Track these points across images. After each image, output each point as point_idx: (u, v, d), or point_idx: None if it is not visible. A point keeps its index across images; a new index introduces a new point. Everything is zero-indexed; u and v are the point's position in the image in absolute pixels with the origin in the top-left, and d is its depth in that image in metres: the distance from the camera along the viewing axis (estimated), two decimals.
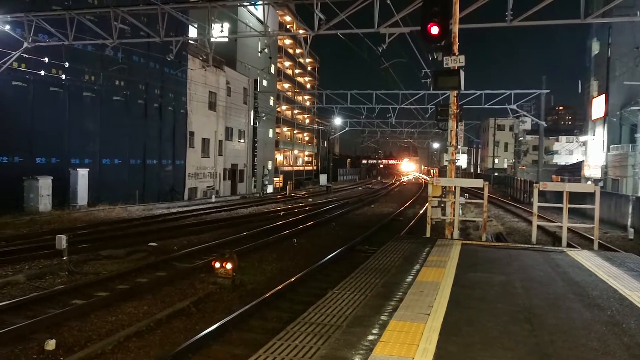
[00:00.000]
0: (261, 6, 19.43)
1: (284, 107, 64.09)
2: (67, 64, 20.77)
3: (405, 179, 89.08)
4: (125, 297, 8.43)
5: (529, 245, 9.48)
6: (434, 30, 9.68)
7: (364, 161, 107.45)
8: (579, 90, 42.00)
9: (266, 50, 40.48)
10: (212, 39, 17.86)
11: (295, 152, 71.94)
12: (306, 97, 74.42)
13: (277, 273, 10.71)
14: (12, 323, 6.94)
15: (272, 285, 9.17)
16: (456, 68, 10.31)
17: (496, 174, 60.23)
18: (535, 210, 9.95)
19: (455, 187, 10.72)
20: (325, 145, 74.82)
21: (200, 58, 32.00)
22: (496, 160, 67.29)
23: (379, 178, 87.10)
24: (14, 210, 18.90)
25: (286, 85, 65.28)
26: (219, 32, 29.05)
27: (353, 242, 14.16)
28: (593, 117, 39.24)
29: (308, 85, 77.35)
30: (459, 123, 11.47)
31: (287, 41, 62.83)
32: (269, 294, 8.40)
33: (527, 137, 52.15)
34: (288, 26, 62.77)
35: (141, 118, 27.38)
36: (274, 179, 50.41)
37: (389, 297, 5.58)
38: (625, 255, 9.23)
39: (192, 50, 31.73)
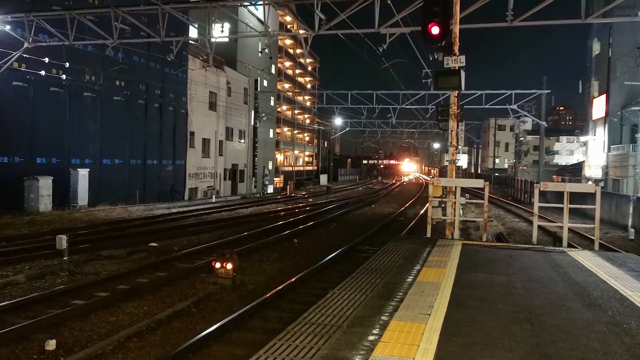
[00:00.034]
0: (261, 6, 19.40)
1: (284, 107, 64.12)
2: (67, 64, 20.77)
3: (405, 179, 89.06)
4: (126, 297, 8.44)
5: (530, 246, 9.48)
6: (435, 30, 9.69)
7: (365, 161, 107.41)
8: (580, 91, 41.90)
9: (266, 50, 40.43)
10: (213, 39, 17.86)
11: (296, 152, 71.94)
12: (306, 97, 74.44)
13: (278, 273, 10.70)
14: (13, 323, 6.95)
15: (273, 286, 9.17)
16: (457, 68, 10.31)
17: (497, 174, 60.16)
18: (535, 210, 9.95)
19: (455, 188, 10.72)
20: (325, 145, 74.80)
21: (201, 58, 31.99)
22: (497, 161, 67.19)
23: (379, 178, 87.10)
24: (15, 210, 18.92)
25: (286, 86, 65.31)
26: (220, 32, 28.89)
27: (353, 242, 14.13)
28: (594, 117, 39.20)
29: (308, 86, 77.37)
30: (460, 123, 11.46)
31: (288, 41, 62.89)
32: (269, 294, 8.40)
33: (528, 138, 52.07)
34: (288, 26, 62.80)
35: (141, 118, 27.39)
36: (275, 179, 50.37)
37: (390, 297, 5.58)
38: (626, 256, 9.22)
39: (193, 51, 31.73)
